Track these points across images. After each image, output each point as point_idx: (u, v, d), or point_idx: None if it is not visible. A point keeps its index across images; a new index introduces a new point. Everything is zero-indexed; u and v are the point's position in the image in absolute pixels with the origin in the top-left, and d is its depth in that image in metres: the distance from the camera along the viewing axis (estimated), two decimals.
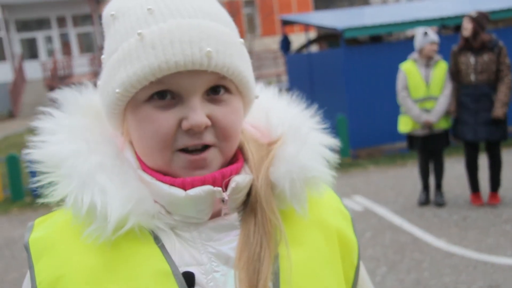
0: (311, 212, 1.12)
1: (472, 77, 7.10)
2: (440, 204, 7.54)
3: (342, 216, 1.21)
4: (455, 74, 7.26)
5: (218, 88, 1.02)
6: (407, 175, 9.31)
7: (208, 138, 1.02)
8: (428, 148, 7.49)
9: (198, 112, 0.99)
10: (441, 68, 7.35)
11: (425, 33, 7.22)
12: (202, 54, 0.98)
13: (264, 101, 1.18)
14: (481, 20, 7.02)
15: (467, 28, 7.05)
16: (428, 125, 7.26)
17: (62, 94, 1.11)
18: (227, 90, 1.04)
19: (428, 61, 7.32)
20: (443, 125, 7.36)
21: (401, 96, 7.34)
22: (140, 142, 1.04)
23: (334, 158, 1.14)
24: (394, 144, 10.97)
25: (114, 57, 1.03)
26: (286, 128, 1.12)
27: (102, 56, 1.08)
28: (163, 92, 1.00)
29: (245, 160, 1.11)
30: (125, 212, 1.00)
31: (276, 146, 1.10)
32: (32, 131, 1.09)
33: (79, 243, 1.03)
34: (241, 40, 1.08)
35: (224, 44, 1.01)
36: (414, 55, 7.41)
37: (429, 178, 7.74)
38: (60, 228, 1.07)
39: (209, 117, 1.01)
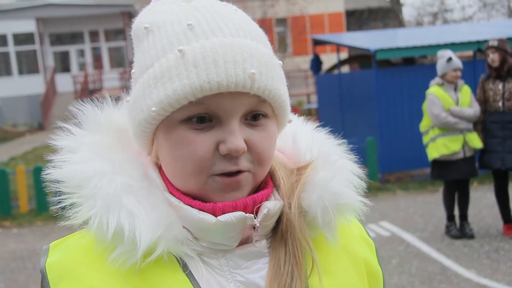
0: (339, 240, 1.08)
1: (500, 104, 7.00)
2: (471, 236, 7.25)
3: (367, 244, 1.18)
4: (482, 102, 7.13)
5: (257, 114, 0.99)
6: (437, 202, 9.06)
7: (244, 164, 0.97)
8: (460, 175, 7.18)
9: (237, 136, 0.95)
10: (466, 92, 7.18)
11: (449, 59, 7.03)
12: (245, 76, 0.94)
13: (289, 125, 1.13)
14: (504, 46, 6.96)
15: (494, 58, 6.98)
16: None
17: (82, 109, 1.07)
18: (264, 115, 1.00)
19: (455, 85, 7.15)
20: (478, 143, 7.07)
21: (443, 116, 6.98)
22: (173, 164, 0.99)
23: (363, 186, 1.10)
24: (424, 170, 10.73)
25: (149, 73, 0.97)
26: (315, 154, 1.09)
27: (132, 71, 1.04)
28: (202, 115, 0.96)
29: (275, 185, 1.08)
30: (155, 237, 0.95)
31: (307, 171, 1.07)
32: (50, 147, 1.04)
33: (102, 269, 0.98)
34: (280, 62, 1.05)
35: (266, 66, 0.97)
36: (438, 80, 7.21)
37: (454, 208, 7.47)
38: (80, 253, 1.02)
39: (246, 141, 0.97)
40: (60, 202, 1.00)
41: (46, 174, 1.01)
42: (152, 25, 1.01)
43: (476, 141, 7.06)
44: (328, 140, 1.14)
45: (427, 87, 7.44)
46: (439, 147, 7.08)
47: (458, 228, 7.36)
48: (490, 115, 7.09)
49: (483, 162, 7.12)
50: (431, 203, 9.28)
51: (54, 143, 1.04)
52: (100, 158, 1.01)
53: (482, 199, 8.97)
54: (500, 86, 7.01)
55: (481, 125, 7.13)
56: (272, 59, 1.00)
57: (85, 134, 1.04)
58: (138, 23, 1.04)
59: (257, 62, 0.95)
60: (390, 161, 10.96)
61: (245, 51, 0.95)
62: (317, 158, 1.08)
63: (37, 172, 10.24)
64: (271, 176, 1.08)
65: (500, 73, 7.01)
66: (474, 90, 7.52)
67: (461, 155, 7.05)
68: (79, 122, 1.06)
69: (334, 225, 1.05)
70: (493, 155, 6.98)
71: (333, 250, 1.08)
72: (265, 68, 0.96)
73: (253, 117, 0.99)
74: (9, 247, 8.45)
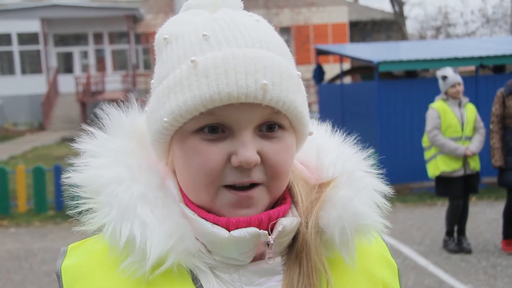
0: (358, 261, 1.04)
1: None
2: (469, 251, 7.23)
3: (389, 266, 1.14)
4: (501, 118, 6.98)
5: (273, 125, 0.97)
6: (436, 216, 9.07)
7: (257, 176, 0.96)
8: (463, 191, 7.17)
9: (249, 148, 0.93)
10: (471, 110, 7.17)
11: (444, 77, 7.03)
12: (257, 87, 0.92)
13: (315, 137, 1.11)
14: None
15: None
16: (469, 156, 6.95)
17: (107, 113, 1.06)
18: (280, 126, 0.98)
19: (459, 101, 7.11)
20: (477, 166, 7.11)
21: (433, 134, 7.05)
22: (185, 175, 0.98)
23: (387, 206, 1.06)
24: (423, 183, 10.73)
25: (164, 84, 0.97)
26: (338, 170, 1.05)
27: (152, 81, 1.03)
28: (213, 125, 0.95)
29: (293, 201, 1.04)
30: (165, 249, 0.95)
31: (328, 189, 1.03)
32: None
33: (114, 276, 0.98)
34: (298, 73, 1.03)
35: (280, 77, 0.95)
36: (443, 95, 7.19)
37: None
38: (95, 258, 1.03)
39: (259, 153, 0.95)
40: (77, 206, 1.00)
41: (65, 178, 1.01)
42: (171, 36, 1.00)
43: (475, 163, 7.07)
44: (354, 155, 1.10)
45: (428, 101, 7.45)
46: (439, 165, 7.10)
47: (456, 243, 7.35)
48: None
49: (505, 180, 6.97)
50: (429, 216, 9.27)
51: (77, 147, 1.04)
52: (120, 164, 1.01)
53: (481, 214, 8.96)
54: None
55: (501, 142, 6.95)
56: (288, 70, 0.98)
57: (109, 139, 1.04)
58: (159, 34, 1.04)
59: (270, 73, 0.94)
60: (390, 173, 10.84)
61: (258, 61, 0.93)
62: (340, 175, 1.04)
63: (37, 172, 10.24)
64: (289, 190, 1.06)
65: None
66: (476, 105, 7.51)
67: (461, 173, 7.07)
68: (104, 126, 1.06)
69: (352, 246, 1.01)
70: None
71: (350, 272, 1.04)
72: (279, 79, 0.94)
73: (269, 128, 0.96)
74: (6, 247, 8.43)
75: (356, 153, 1.11)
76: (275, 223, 0.98)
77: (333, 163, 1.07)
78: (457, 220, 7.35)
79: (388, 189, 1.08)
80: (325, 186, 1.04)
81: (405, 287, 6.13)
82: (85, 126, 1.05)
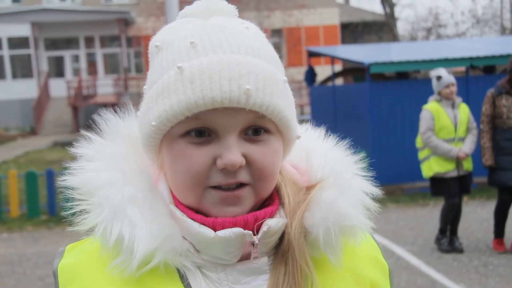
0: (345, 261, 1.06)
1: None
2: (460, 250, 7.28)
3: (380, 267, 1.15)
4: (491, 118, 7.04)
5: (258, 129, 1.00)
6: (428, 216, 9.11)
7: (243, 176, 0.99)
8: (458, 190, 7.22)
9: (233, 151, 0.96)
10: (464, 110, 7.22)
11: (438, 77, 7.06)
12: (240, 92, 0.95)
13: (308, 141, 1.14)
14: None
15: None
16: (462, 158, 7.01)
17: (105, 119, 1.09)
18: (266, 130, 1.01)
19: (453, 102, 7.15)
20: (470, 167, 7.17)
21: (426, 136, 7.09)
22: (173, 177, 1.02)
23: (375, 207, 1.08)
24: (415, 183, 10.78)
25: (153, 89, 1.01)
26: (326, 172, 1.08)
27: (144, 87, 1.07)
28: (199, 129, 0.98)
29: (281, 203, 1.07)
30: (151, 248, 0.98)
31: (314, 190, 1.06)
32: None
33: (106, 275, 1.01)
34: (285, 78, 1.05)
35: (264, 82, 0.98)
36: (436, 96, 7.23)
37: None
38: (88, 257, 1.07)
39: (245, 156, 0.98)
40: (71, 208, 1.03)
41: (61, 180, 1.05)
42: (162, 44, 1.04)
43: (468, 164, 7.12)
44: (344, 158, 1.12)
45: (419, 101, 7.50)
46: (432, 166, 7.13)
47: (448, 242, 7.39)
48: (503, 132, 6.98)
49: (495, 179, 7.04)
50: (421, 216, 9.31)
51: (75, 151, 1.07)
52: (114, 168, 1.04)
53: (472, 214, 9.01)
54: None
55: (491, 142, 7.01)
56: (273, 75, 1.01)
57: (105, 144, 1.08)
58: (152, 42, 1.07)
59: (254, 78, 0.96)
60: (382, 174, 10.97)
61: (243, 67, 0.97)
62: (327, 177, 1.07)
63: (29, 177, 10.21)
64: (278, 192, 1.08)
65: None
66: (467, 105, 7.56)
67: (454, 174, 7.11)
68: (101, 131, 1.09)
69: (337, 246, 1.04)
70: (508, 172, 6.91)
71: (336, 272, 1.06)
72: (262, 84, 0.97)
73: (255, 132, 1.00)
74: None
75: (347, 156, 1.13)
76: (261, 224, 1.01)
77: (322, 165, 1.09)
78: (451, 219, 7.38)
79: (377, 190, 1.09)
80: (312, 188, 1.07)
81: (397, 287, 6.16)
82: (83, 131, 1.09)
